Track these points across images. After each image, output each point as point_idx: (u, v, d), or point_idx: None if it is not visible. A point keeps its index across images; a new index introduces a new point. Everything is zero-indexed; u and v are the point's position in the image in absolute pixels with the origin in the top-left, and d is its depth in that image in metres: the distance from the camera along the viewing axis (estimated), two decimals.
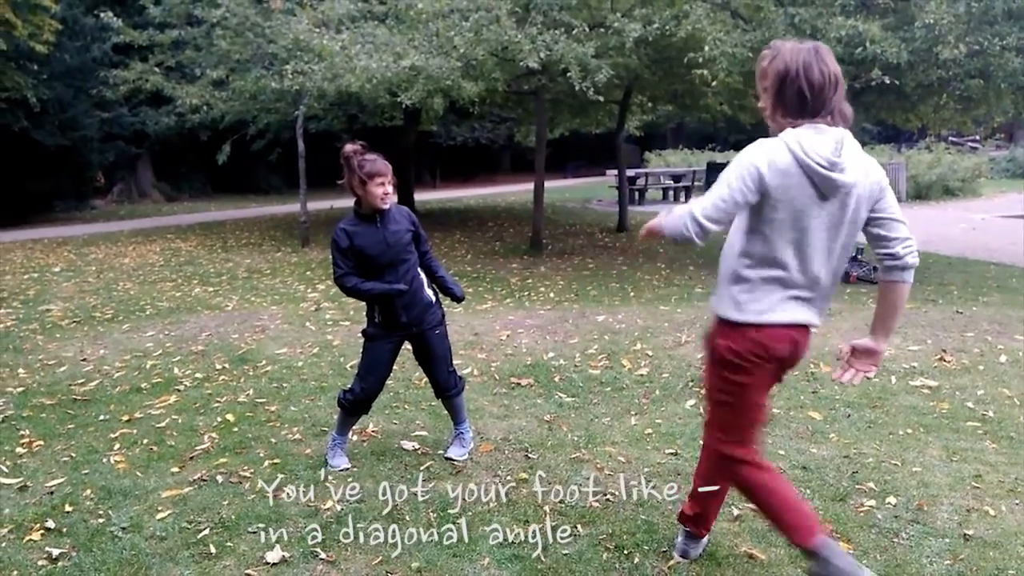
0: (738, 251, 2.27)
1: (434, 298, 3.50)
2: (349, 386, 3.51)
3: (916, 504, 3.08)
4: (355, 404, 3.47)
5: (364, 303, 3.47)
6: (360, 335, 3.54)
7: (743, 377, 2.29)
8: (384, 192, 3.25)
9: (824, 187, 2.13)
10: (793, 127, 2.17)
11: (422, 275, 3.46)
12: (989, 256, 10.73)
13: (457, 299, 3.57)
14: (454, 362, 3.63)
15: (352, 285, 3.30)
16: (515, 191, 23.22)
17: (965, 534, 2.85)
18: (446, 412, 3.73)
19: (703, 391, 2.46)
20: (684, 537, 2.73)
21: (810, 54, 2.14)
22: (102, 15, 12.06)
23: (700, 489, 2.60)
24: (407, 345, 3.52)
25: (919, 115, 10.20)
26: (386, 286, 3.30)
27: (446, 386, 3.55)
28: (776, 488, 2.38)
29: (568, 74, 8.28)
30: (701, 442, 2.73)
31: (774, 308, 2.25)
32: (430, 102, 8.96)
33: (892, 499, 3.13)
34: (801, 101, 2.15)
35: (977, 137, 23.45)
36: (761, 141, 2.17)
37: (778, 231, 2.18)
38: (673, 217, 2.18)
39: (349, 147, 3.27)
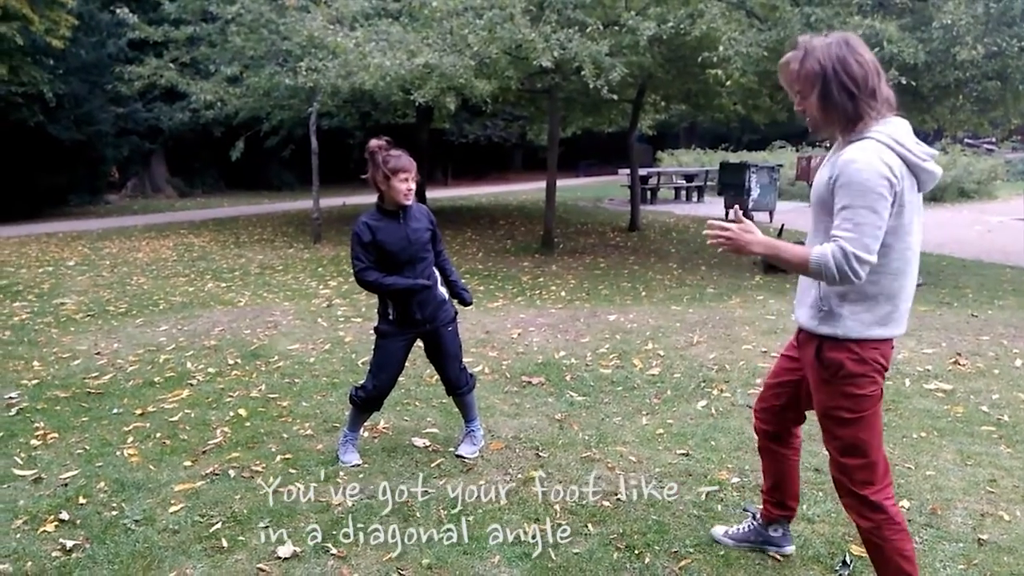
0: None
1: (446, 295, 3.51)
2: (361, 383, 3.52)
3: (930, 508, 3.06)
4: (367, 401, 3.47)
5: (376, 299, 3.48)
6: (372, 332, 3.55)
7: (871, 388, 2.19)
8: (408, 188, 3.27)
9: (924, 180, 2.12)
10: (864, 126, 2.08)
11: (436, 273, 3.47)
12: (1005, 259, 10.64)
13: (465, 304, 3.58)
14: (465, 360, 3.63)
15: (373, 279, 3.29)
16: (527, 189, 23.21)
17: (979, 539, 2.82)
18: (457, 409, 3.74)
19: (824, 424, 2.29)
20: (783, 531, 2.72)
21: (842, 47, 2.08)
22: (118, 11, 12.15)
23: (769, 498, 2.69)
24: (418, 342, 3.53)
25: (935, 116, 10.10)
26: (410, 281, 3.30)
27: (457, 383, 3.56)
28: (913, 558, 2.26)
29: (582, 72, 8.26)
30: (758, 450, 2.72)
31: (901, 320, 2.20)
32: (443, 100, 8.96)
33: (906, 503, 3.10)
34: (851, 99, 2.07)
35: (993, 139, 23.25)
36: (865, 148, 2.04)
37: (900, 237, 2.11)
38: (823, 260, 2.03)
39: (374, 142, 3.28)
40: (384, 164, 3.24)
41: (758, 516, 2.75)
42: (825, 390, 2.24)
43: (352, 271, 3.34)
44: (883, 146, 2.05)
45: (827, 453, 2.33)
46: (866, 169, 2.01)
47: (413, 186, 3.29)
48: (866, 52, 2.09)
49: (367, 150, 3.28)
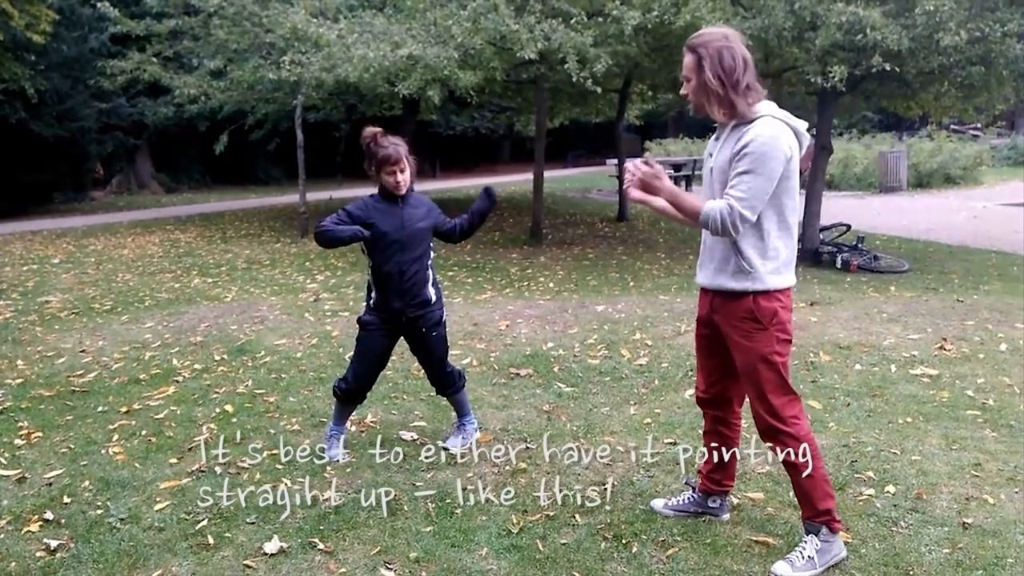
0: (766, 225, 2.46)
1: (434, 297, 3.44)
2: (344, 374, 3.51)
3: (915, 493, 3.08)
4: (348, 393, 3.46)
5: (365, 293, 3.47)
6: (357, 323, 3.53)
7: (789, 332, 2.56)
8: (396, 181, 3.25)
9: (804, 144, 2.49)
10: (744, 110, 2.41)
11: (431, 273, 3.41)
12: (990, 244, 10.70)
13: (490, 200, 3.48)
14: (453, 352, 3.62)
15: (325, 226, 3.21)
16: (515, 181, 23.16)
17: (964, 523, 2.84)
18: (445, 403, 3.74)
19: (758, 370, 2.53)
20: (721, 502, 2.90)
21: (720, 41, 2.40)
22: (99, 5, 11.99)
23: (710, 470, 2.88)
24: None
25: (920, 103, 10.14)
26: (355, 228, 3.22)
27: (443, 385, 3.55)
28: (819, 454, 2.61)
29: (566, 65, 8.23)
30: (704, 434, 2.88)
31: (793, 268, 2.56)
32: (428, 91, 8.91)
33: (891, 488, 3.12)
34: (721, 86, 2.39)
35: (978, 125, 23.34)
36: (768, 123, 2.39)
37: (790, 195, 2.47)
38: (713, 215, 2.38)
39: (367, 131, 3.28)
40: (374, 156, 3.23)
41: (697, 489, 2.91)
42: (760, 337, 2.51)
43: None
44: (779, 121, 2.41)
45: (755, 409, 2.59)
46: (771, 142, 2.36)
47: (402, 178, 3.25)
48: (739, 47, 2.41)
49: (361, 139, 3.28)
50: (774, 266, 2.48)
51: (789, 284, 2.53)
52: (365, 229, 3.24)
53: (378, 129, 3.30)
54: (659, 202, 2.52)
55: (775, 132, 2.38)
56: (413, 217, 3.32)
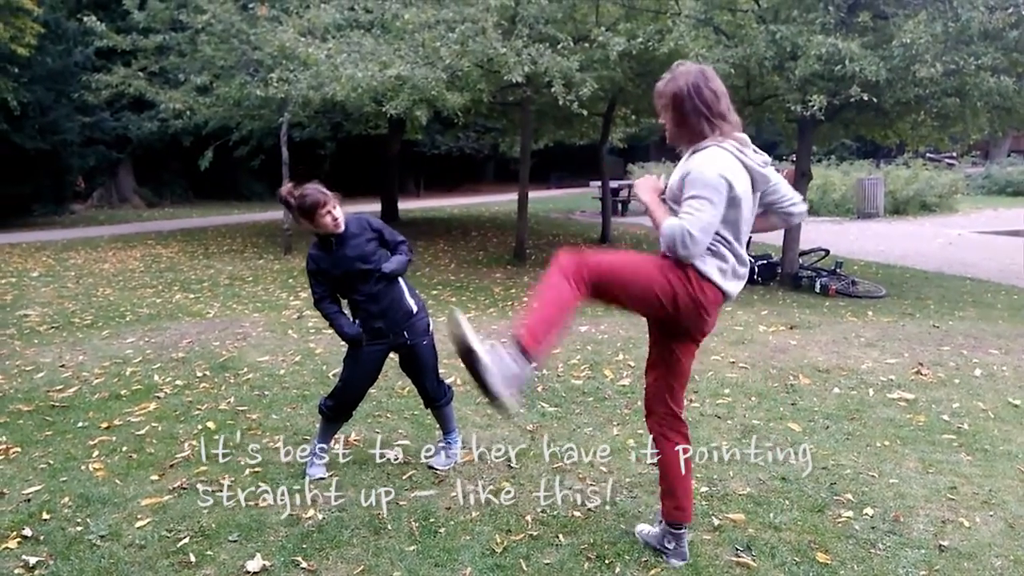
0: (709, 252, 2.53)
1: (416, 307, 3.48)
2: (329, 393, 3.51)
3: (892, 515, 3.13)
4: (336, 409, 3.46)
5: (350, 313, 3.48)
6: (343, 341, 3.53)
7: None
8: (333, 218, 3.26)
9: (759, 182, 2.57)
10: (711, 137, 2.49)
11: (403, 283, 3.45)
12: (965, 271, 10.89)
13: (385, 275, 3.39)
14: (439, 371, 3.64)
15: (324, 312, 3.38)
16: (499, 201, 23.27)
17: (940, 545, 2.89)
18: (429, 421, 3.75)
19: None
20: (679, 540, 2.80)
21: (698, 76, 2.50)
22: (85, 19, 12.00)
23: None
24: (393, 353, 3.52)
25: (897, 132, 10.34)
26: (349, 332, 3.35)
27: (435, 396, 3.56)
28: None
29: (552, 88, 8.33)
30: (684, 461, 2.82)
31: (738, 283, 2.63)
32: (415, 112, 8.97)
33: (869, 510, 3.17)
34: (700, 117, 2.49)
35: (954, 154, 23.81)
36: (711, 154, 2.47)
37: (733, 226, 2.53)
38: (669, 230, 2.45)
39: (282, 191, 3.30)
40: (302, 206, 3.23)
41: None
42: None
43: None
44: (727, 152, 2.47)
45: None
46: (710, 169, 2.43)
47: (338, 212, 3.27)
48: (717, 83, 2.53)
49: (279, 199, 3.31)
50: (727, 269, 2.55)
51: (722, 286, 2.55)
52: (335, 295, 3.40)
53: (289, 184, 3.33)
54: (644, 198, 2.66)
55: (714, 161, 2.43)
56: (354, 248, 3.30)
